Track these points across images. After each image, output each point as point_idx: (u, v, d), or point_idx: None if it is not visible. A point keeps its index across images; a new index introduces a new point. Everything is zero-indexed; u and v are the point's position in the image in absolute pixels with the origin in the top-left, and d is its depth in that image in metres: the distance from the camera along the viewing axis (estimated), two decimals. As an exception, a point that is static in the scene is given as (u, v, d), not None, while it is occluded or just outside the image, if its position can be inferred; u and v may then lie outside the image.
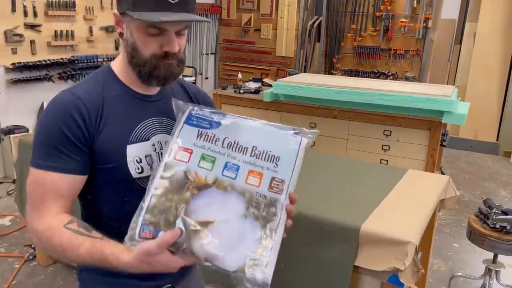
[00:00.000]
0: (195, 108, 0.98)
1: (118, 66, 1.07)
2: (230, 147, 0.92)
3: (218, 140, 0.93)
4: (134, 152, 1.01)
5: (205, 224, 0.85)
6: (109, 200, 1.04)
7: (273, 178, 0.90)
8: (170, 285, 1.15)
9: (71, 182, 0.96)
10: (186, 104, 0.98)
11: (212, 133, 0.93)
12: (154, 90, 1.09)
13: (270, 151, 0.92)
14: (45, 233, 0.92)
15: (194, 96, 1.22)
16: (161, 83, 1.03)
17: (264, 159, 0.91)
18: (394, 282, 1.56)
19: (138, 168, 1.01)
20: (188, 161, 0.90)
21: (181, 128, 0.94)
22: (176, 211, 0.85)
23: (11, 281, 2.67)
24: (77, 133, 0.96)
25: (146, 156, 1.03)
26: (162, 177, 0.88)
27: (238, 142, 0.93)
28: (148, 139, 1.04)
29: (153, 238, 0.83)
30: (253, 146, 0.92)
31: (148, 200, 0.86)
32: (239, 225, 0.86)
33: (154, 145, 1.05)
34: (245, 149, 0.92)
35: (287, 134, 0.95)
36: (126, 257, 0.85)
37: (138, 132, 1.03)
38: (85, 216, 1.09)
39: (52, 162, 0.95)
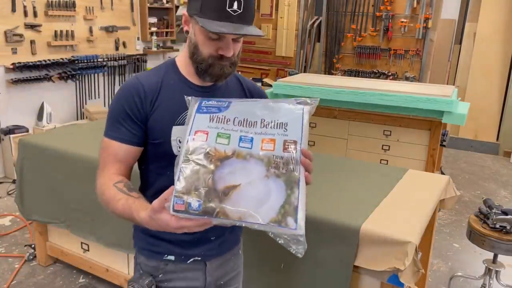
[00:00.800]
0: (204, 100, 1.09)
1: (181, 60, 1.23)
2: (240, 124, 1.02)
3: (229, 120, 1.03)
4: (178, 133, 1.16)
5: (232, 187, 0.94)
6: (155, 172, 1.22)
7: (285, 141, 0.99)
8: (200, 258, 1.26)
9: (126, 150, 1.16)
10: (195, 98, 1.09)
11: (223, 115, 1.04)
12: (209, 83, 1.22)
13: (277, 120, 1.02)
14: (100, 188, 1.13)
15: (248, 90, 1.32)
16: (213, 80, 1.18)
17: (274, 127, 1.01)
18: (394, 282, 1.56)
19: (179, 147, 1.14)
20: (206, 140, 1.00)
21: (194, 118, 1.04)
22: (204, 182, 0.94)
23: (11, 281, 2.68)
24: (135, 111, 1.15)
25: None
26: (186, 156, 0.98)
27: (247, 119, 1.02)
28: None
29: (186, 209, 0.91)
30: (262, 119, 1.02)
31: (177, 177, 0.95)
32: (264, 184, 0.94)
33: None
34: (255, 123, 1.02)
35: (289, 104, 1.05)
36: (143, 213, 1.00)
37: (184, 116, 1.15)
38: (140, 184, 1.28)
39: (115, 133, 1.16)
